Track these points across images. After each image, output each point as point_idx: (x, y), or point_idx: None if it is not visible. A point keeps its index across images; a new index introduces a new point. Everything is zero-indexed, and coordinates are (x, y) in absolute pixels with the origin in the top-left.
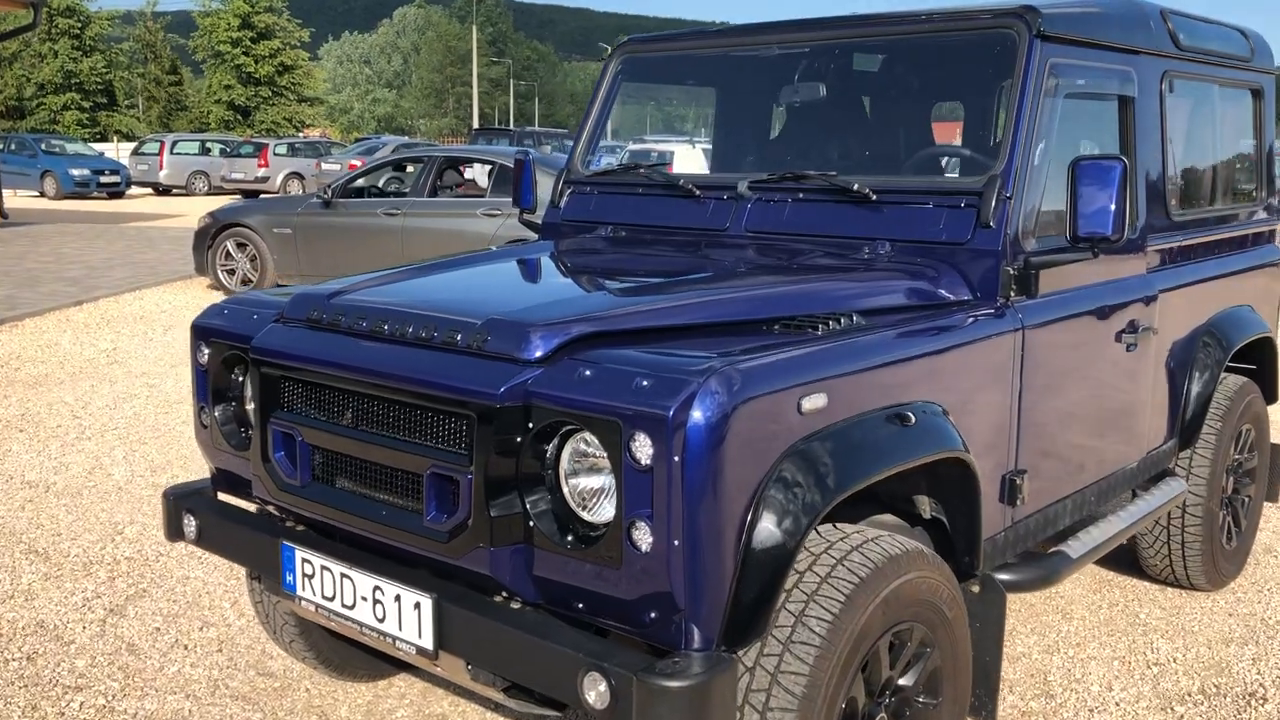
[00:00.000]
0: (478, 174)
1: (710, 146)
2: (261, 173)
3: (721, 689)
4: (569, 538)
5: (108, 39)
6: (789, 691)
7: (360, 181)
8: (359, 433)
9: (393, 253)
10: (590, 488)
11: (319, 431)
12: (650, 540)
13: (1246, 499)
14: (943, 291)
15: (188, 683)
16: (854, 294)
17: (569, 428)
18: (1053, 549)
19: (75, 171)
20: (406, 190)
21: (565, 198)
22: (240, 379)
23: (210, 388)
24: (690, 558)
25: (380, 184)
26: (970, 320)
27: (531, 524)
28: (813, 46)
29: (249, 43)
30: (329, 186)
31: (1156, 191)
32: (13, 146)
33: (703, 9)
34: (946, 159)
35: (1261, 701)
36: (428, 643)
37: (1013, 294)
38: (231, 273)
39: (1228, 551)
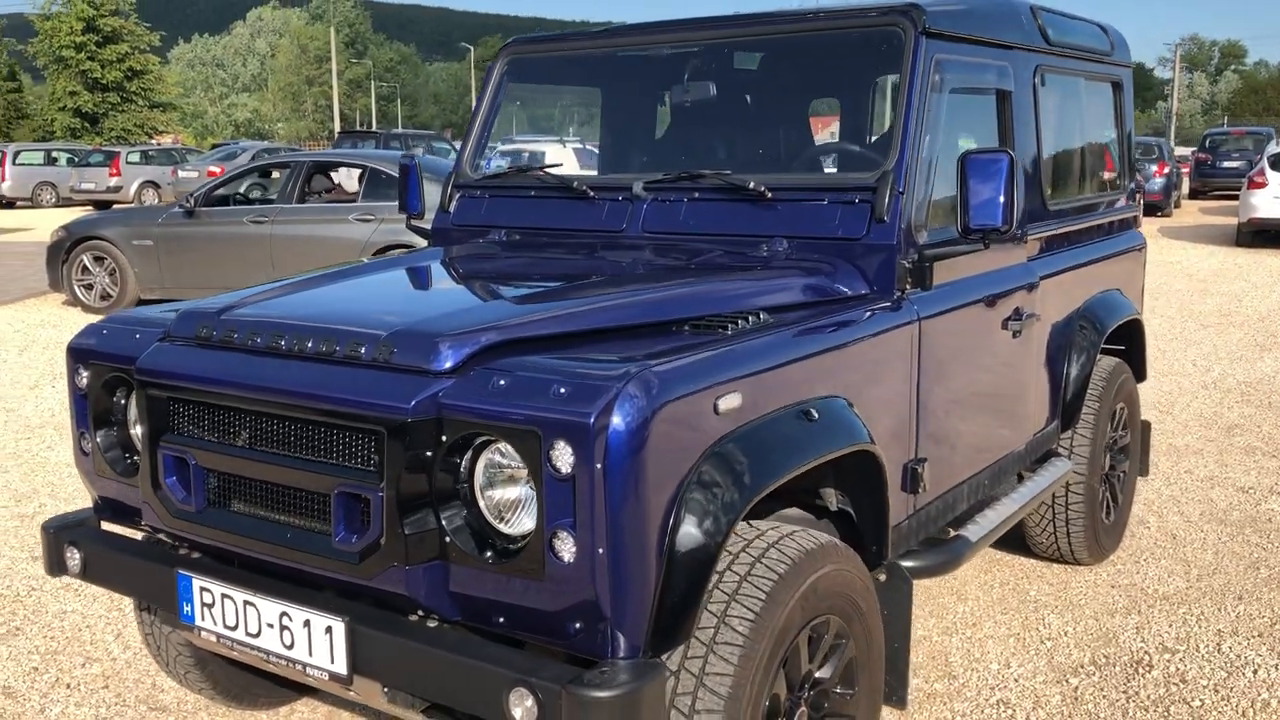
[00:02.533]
0: (346, 179)
1: (579, 145)
2: (114, 182)
3: (651, 696)
4: (488, 552)
5: None
6: (714, 693)
7: (224, 189)
8: (258, 453)
9: (261, 261)
10: (507, 499)
11: (213, 454)
12: (573, 550)
13: (1122, 475)
14: (840, 287)
15: None
16: (757, 292)
17: (483, 439)
18: (954, 534)
19: None
20: (273, 197)
21: (455, 202)
22: (123, 402)
23: (91, 413)
24: (614, 565)
25: (244, 191)
26: (869, 314)
27: (447, 540)
28: (701, 46)
29: (94, 47)
30: (192, 195)
31: (1033, 182)
32: None
33: (564, 8)
34: (838, 155)
35: (1148, 669)
36: (341, 668)
37: (908, 286)
38: (89, 288)
39: (1107, 526)
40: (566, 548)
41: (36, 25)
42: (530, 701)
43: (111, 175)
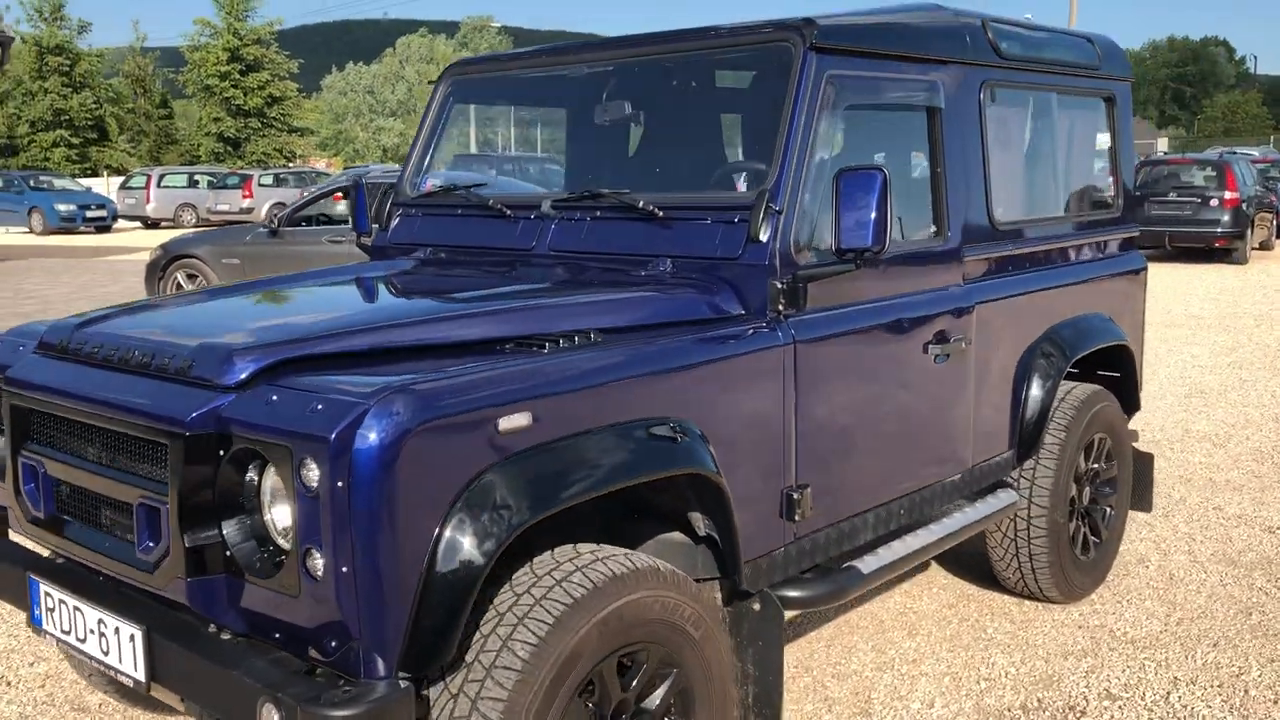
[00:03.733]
0: None
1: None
2: (247, 203)
3: (390, 717)
4: (257, 566)
5: (100, 75)
6: (486, 718)
7: (307, 210)
8: (86, 463)
9: None
10: (283, 516)
11: (57, 463)
12: (323, 568)
13: (1107, 509)
14: (715, 307)
15: None
16: (605, 311)
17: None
18: (846, 564)
19: (61, 207)
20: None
21: (394, 220)
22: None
23: None
24: (363, 585)
25: (327, 211)
26: (731, 336)
27: (228, 553)
28: (615, 65)
29: (238, 75)
30: (276, 215)
31: (976, 201)
32: (0, 184)
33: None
34: (737, 174)
35: (1080, 715)
36: (141, 675)
37: (782, 308)
38: None
39: (1083, 563)
40: (317, 565)
41: (186, 55)
42: (276, 717)
43: (245, 197)
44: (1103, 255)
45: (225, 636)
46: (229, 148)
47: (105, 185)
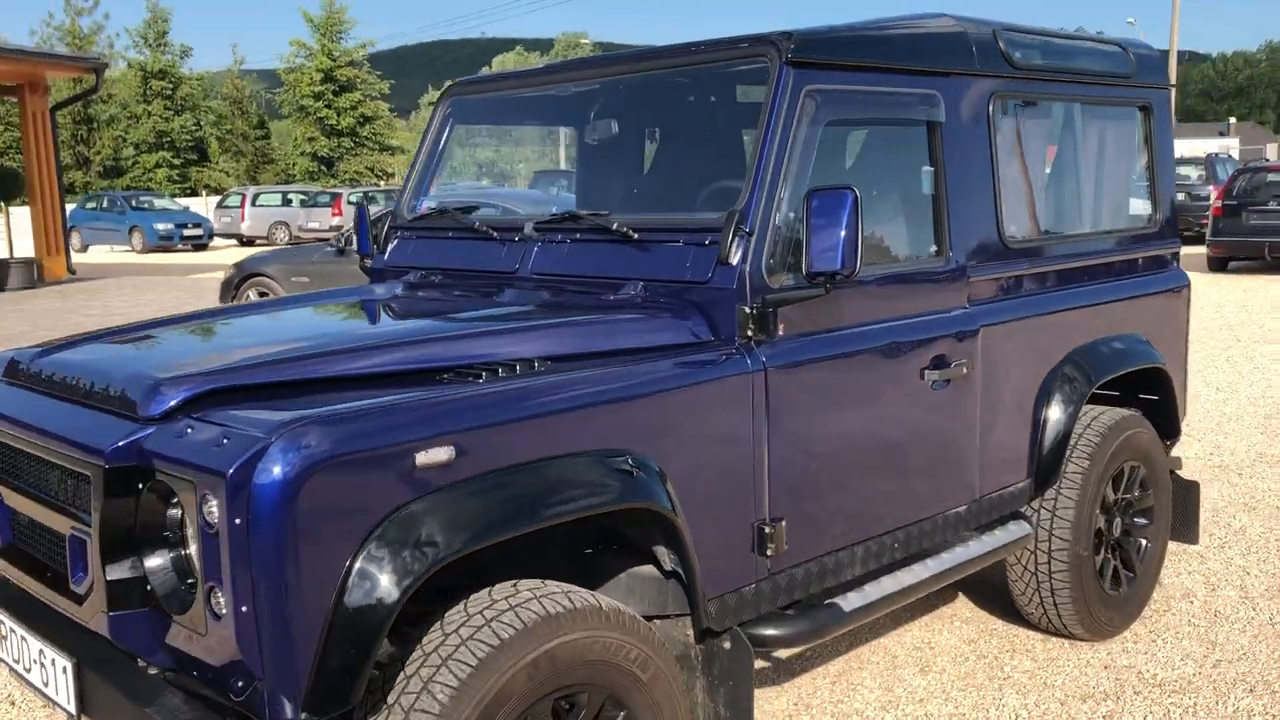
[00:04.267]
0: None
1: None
2: (336, 221)
3: None
4: (174, 602)
5: (201, 97)
6: None
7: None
8: (32, 492)
9: None
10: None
11: (12, 491)
12: (225, 606)
13: (1142, 542)
14: (682, 333)
15: None
16: (560, 338)
17: None
18: (829, 601)
19: (159, 226)
20: None
21: (391, 243)
22: None
23: None
24: (265, 624)
25: None
26: (692, 363)
27: (148, 588)
28: (602, 84)
29: (331, 95)
30: (343, 234)
31: (983, 219)
32: (104, 204)
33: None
34: (718, 195)
35: None
36: (72, 707)
37: (751, 334)
38: None
39: (1112, 598)
40: (220, 603)
41: (282, 77)
42: None
43: (334, 215)
44: (1139, 273)
45: (152, 672)
46: (323, 166)
47: (204, 204)
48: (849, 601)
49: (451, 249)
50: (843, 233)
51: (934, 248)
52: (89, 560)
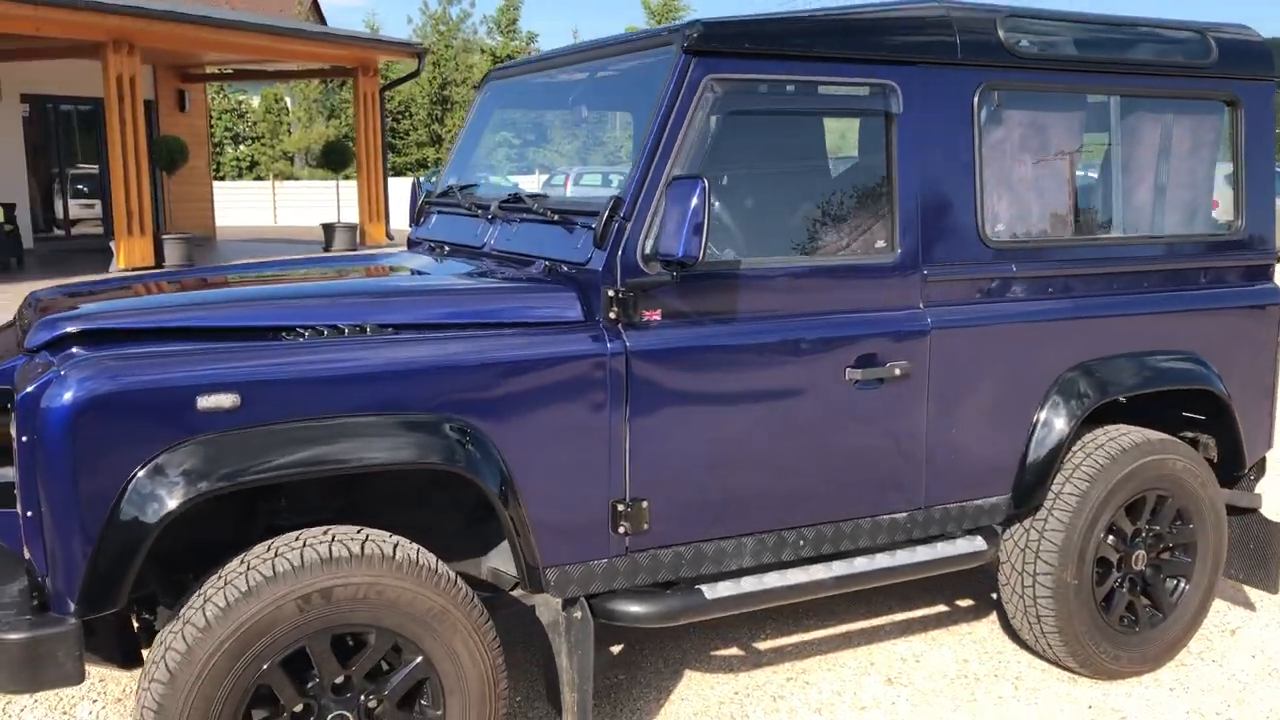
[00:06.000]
0: None
1: None
2: None
3: (44, 647)
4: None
5: None
6: (168, 665)
7: None
8: None
9: None
10: None
11: None
12: (22, 509)
13: (1180, 581)
14: (558, 311)
15: None
16: (421, 309)
17: None
18: (696, 586)
19: None
20: None
21: (422, 217)
22: None
23: None
24: (47, 530)
25: None
26: (545, 341)
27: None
28: (567, 74)
29: None
30: None
31: (955, 216)
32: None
33: None
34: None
35: None
36: None
37: (615, 317)
38: None
39: (1121, 636)
40: (21, 508)
41: None
42: None
43: None
44: (1202, 285)
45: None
46: None
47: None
48: (717, 590)
49: (452, 224)
50: (687, 221)
51: (881, 244)
52: None
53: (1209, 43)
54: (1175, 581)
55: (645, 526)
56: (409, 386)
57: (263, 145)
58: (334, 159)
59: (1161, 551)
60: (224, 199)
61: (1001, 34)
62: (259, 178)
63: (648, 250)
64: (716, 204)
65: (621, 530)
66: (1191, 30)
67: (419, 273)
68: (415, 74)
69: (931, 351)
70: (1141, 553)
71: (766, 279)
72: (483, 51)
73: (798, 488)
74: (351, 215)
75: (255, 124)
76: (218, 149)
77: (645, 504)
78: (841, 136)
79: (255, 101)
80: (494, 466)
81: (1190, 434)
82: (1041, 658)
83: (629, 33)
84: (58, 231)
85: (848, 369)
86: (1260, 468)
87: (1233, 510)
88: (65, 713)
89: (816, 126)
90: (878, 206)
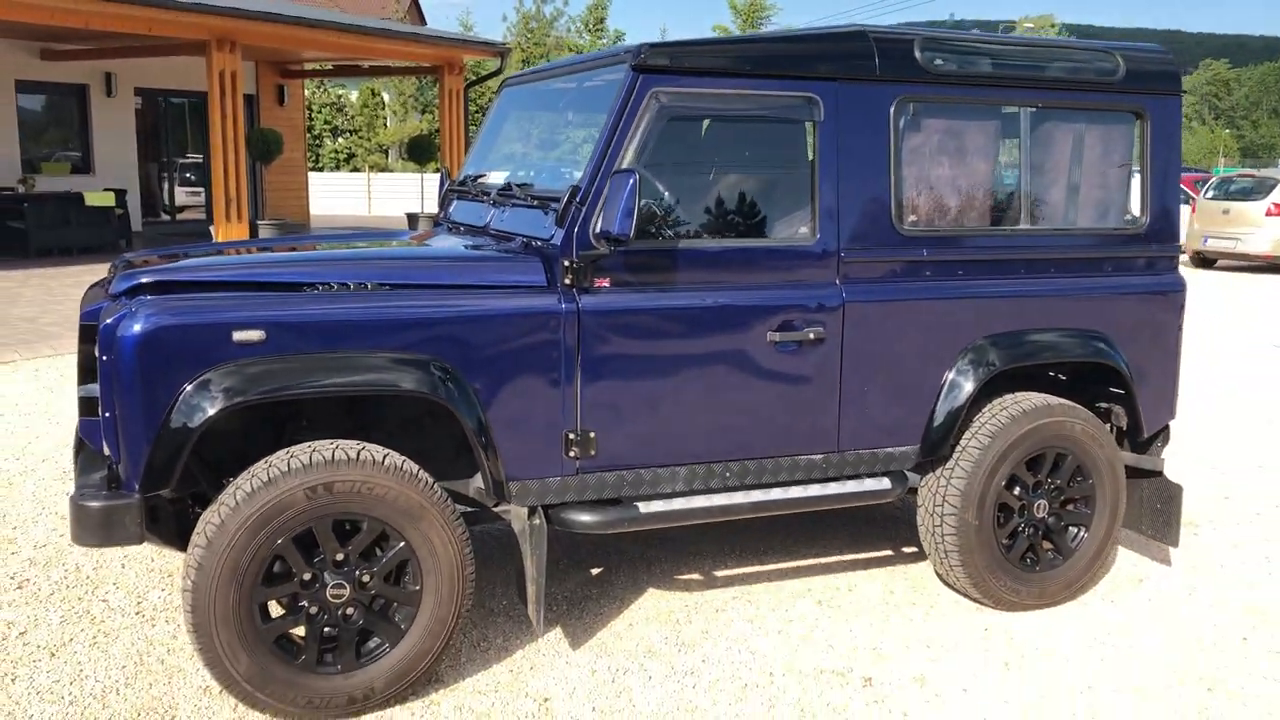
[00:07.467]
0: None
1: None
2: None
3: (115, 513)
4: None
5: None
6: (207, 537)
7: None
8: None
9: None
10: None
11: None
12: (102, 411)
13: (1079, 528)
14: (527, 277)
15: None
16: (412, 271)
17: None
18: (635, 505)
19: None
20: None
21: (447, 202)
22: None
23: None
24: (122, 427)
25: None
26: (513, 299)
27: None
28: (561, 81)
29: None
30: None
31: (872, 209)
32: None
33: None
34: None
35: (869, 685)
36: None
37: (570, 283)
38: None
39: (1021, 573)
40: (102, 409)
41: None
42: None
43: None
44: (1109, 273)
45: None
46: None
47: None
48: (650, 506)
49: (467, 208)
50: (621, 205)
51: (804, 230)
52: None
53: (1117, 61)
54: (1076, 529)
55: (592, 453)
56: (402, 333)
57: (360, 138)
58: (419, 152)
59: (1066, 503)
60: (323, 189)
61: (918, 54)
62: (355, 169)
63: (598, 229)
64: (666, 194)
65: (572, 455)
66: (1101, 51)
67: (427, 246)
68: (497, 72)
69: (845, 320)
70: (1043, 502)
71: (701, 256)
72: (571, 50)
73: (724, 428)
74: (434, 206)
75: (353, 117)
76: (317, 141)
77: (593, 434)
78: (779, 139)
79: (354, 96)
80: (468, 400)
81: (1105, 405)
82: (953, 589)
83: (598, 50)
84: (164, 216)
85: (769, 332)
86: (1165, 435)
87: (1138, 472)
88: (140, 598)
89: (750, 131)
90: (802, 199)
